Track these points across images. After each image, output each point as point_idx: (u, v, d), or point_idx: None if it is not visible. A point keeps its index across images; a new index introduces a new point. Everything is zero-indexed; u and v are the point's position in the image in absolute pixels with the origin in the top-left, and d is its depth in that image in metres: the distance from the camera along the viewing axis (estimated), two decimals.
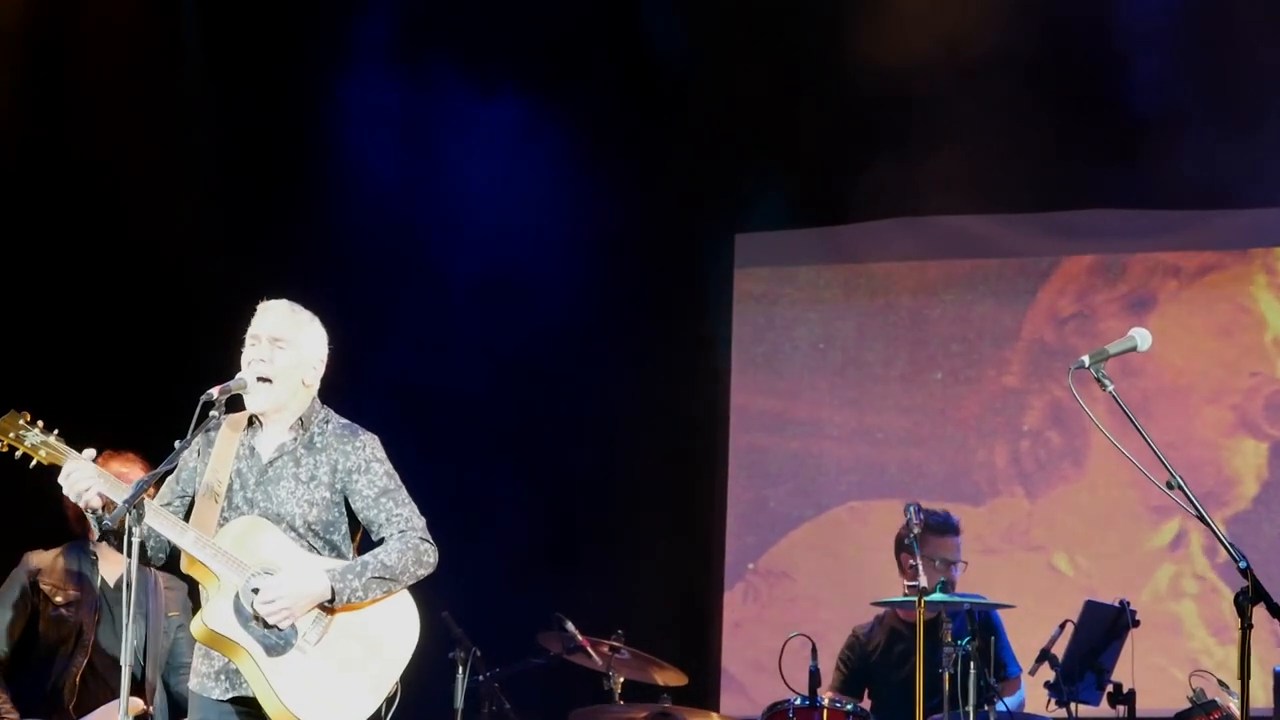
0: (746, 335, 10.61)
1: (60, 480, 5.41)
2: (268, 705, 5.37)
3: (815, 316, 10.56)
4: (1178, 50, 9.42)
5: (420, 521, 5.62)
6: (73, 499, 5.42)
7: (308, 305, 5.67)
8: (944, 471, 9.95)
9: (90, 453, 5.48)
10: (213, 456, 5.57)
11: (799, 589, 10.17)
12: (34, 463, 5.48)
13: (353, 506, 5.61)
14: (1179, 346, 9.98)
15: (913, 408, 10.31)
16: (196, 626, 5.44)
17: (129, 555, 5.09)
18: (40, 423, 5.49)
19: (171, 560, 5.63)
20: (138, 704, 6.85)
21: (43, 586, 7.04)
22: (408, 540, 5.55)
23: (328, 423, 5.68)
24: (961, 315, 10.35)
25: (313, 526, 5.54)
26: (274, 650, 5.38)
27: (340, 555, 5.59)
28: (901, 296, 10.45)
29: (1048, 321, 10.20)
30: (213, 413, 5.36)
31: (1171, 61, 9.42)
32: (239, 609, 5.39)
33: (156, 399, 7.59)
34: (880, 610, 8.40)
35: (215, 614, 5.39)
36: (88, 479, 5.38)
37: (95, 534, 5.56)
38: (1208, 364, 10.00)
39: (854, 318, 10.52)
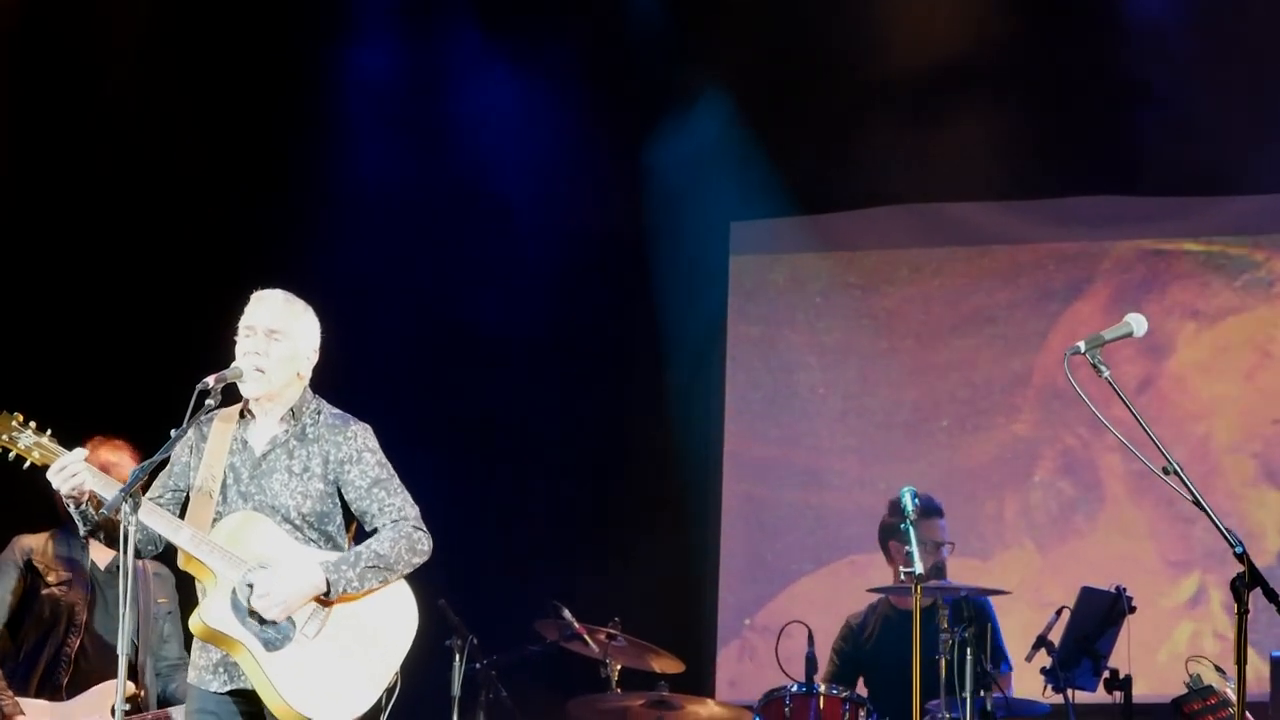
0: (741, 380, 10.88)
1: (50, 475, 5.76)
2: (267, 699, 5.71)
3: (814, 360, 10.85)
4: (1180, 36, 9.85)
5: (413, 510, 5.95)
6: (64, 493, 5.78)
7: (301, 293, 6.00)
8: (950, 523, 9.85)
9: (82, 452, 5.82)
10: (206, 452, 5.91)
11: (797, 646, 10.36)
12: (27, 464, 5.83)
13: (345, 497, 5.94)
14: (1197, 394, 10.28)
15: (917, 456, 10.57)
16: (194, 623, 5.78)
17: (125, 544, 5.41)
18: (33, 424, 5.83)
19: (163, 552, 6.00)
20: (130, 686, 7.21)
21: (36, 565, 7.51)
22: (400, 529, 5.88)
23: (319, 413, 6.01)
24: (969, 360, 10.63)
25: (307, 518, 5.88)
26: (272, 644, 5.71)
27: (336, 546, 5.92)
28: (906, 339, 10.72)
29: (1059, 366, 10.35)
30: (209, 401, 5.69)
31: (1172, 50, 9.85)
32: (236, 604, 5.73)
33: (150, 391, 7.99)
34: (874, 598, 8.79)
35: (212, 610, 5.74)
36: (80, 474, 5.74)
37: (81, 530, 5.93)
38: (1228, 411, 10.26)
39: (856, 361, 10.78)
